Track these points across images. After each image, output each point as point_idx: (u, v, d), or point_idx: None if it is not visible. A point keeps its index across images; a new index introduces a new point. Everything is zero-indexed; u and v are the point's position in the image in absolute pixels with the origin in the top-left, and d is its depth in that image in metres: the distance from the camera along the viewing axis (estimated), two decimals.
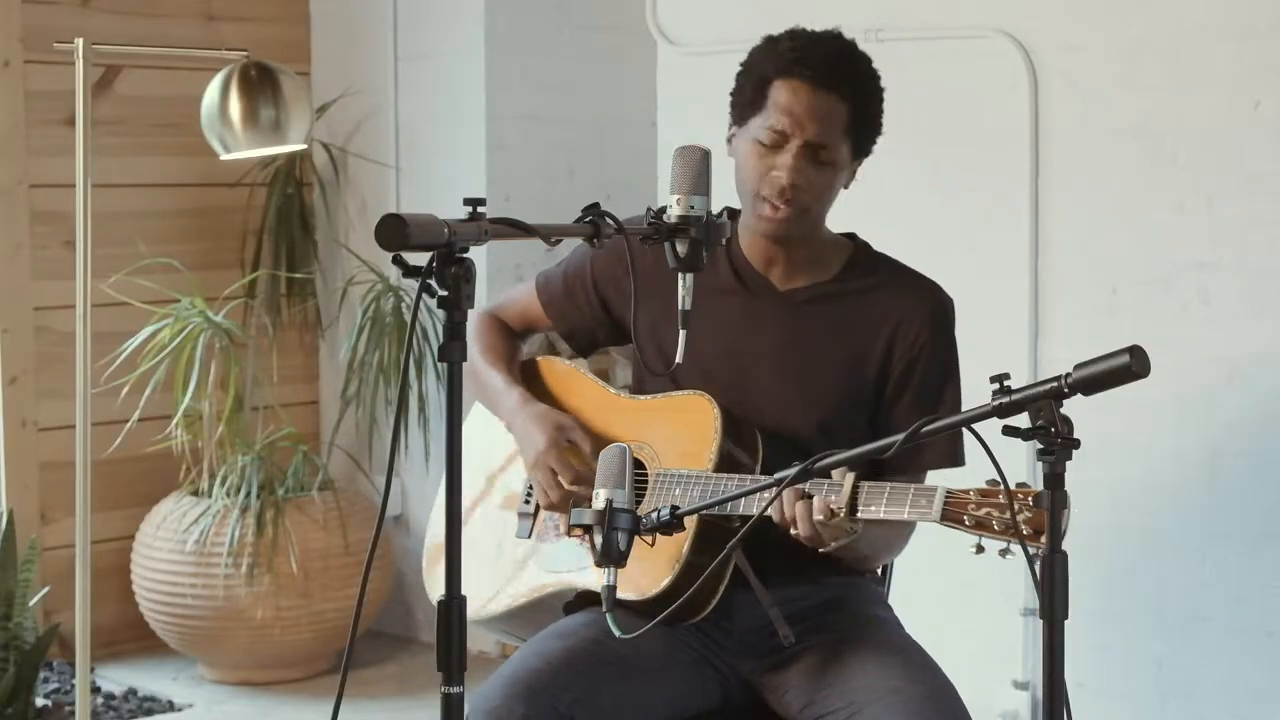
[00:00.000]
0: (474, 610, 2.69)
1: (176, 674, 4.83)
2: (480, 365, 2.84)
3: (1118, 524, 3.69)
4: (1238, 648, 3.60)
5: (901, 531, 2.68)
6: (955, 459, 2.67)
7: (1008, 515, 2.23)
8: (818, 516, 2.37)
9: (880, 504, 2.36)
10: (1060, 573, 2.09)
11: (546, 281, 2.87)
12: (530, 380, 2.84)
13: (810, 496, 2.38)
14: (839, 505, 2.36)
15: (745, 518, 2.44)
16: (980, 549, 2.27)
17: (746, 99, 2.66)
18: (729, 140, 2.70)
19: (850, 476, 2.37)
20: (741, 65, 2.69)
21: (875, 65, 2.69)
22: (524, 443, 2.72)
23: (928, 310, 2.70)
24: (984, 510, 2.28)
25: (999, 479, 2.20)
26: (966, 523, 2.29)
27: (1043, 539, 2.18)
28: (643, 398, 2.74)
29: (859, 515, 2.37)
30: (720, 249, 2.69)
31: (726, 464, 2.59)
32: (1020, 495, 2.22)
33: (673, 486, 2.58)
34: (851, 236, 2.79)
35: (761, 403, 2.67)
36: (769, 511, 2.38)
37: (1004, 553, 2.24)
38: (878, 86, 2.69)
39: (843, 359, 2.68)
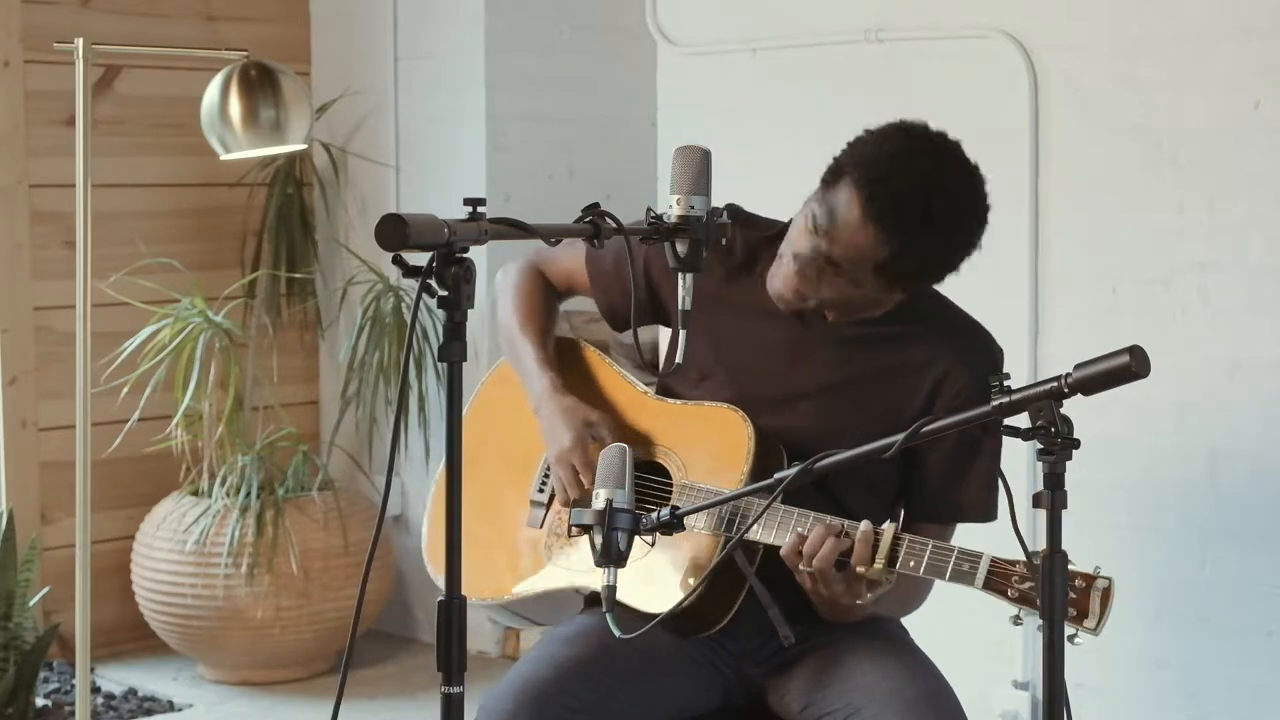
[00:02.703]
0: (489, 596, 2.69)
1: (176, 674, 4.82)
2: (515, 331, 2.79)
3: (1118, 524, 3.69)
4: (1238, 648, 3.59)
5: (923, 592, 2.64)
6: (988, 514, 2.60)
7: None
8: (859, 569, 2.34)
9: (921, 561, 2.33)
10: (1060, 573, 2.09)
11: (598, 253, 2.73)
12: (563, 361, 2.78)
13: (849, 535, 2.35)
14: (880, 555, 2.33)
15: (763, 545, 2.45)
16: (1018, 620, 2.24)
17: (828, 173, 2.53)
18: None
19: (891, 527, 2.35)
20: (847, 144, 2.54)
21: (961, 207, 2.53)
22: (549, 433, 2.67)
23: (977, 361, 2.59)
24: (1029, 585, 2.24)
25: (1027, 555, 2.17)
26: (1010, 595, 2.26)
27: (1085, 623, 2.17)
28: (674, 402, 2.68)
29: (896, 569, 2.34)
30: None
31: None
32: (1077, 581, 2.19)
33: (697, 500, 2.53)
34: None
35: (794, 431, 2.60)
36: (794, 561, 2.36)
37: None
38: (939, 237, 2.50)
39: (883, 400, 2.60)
